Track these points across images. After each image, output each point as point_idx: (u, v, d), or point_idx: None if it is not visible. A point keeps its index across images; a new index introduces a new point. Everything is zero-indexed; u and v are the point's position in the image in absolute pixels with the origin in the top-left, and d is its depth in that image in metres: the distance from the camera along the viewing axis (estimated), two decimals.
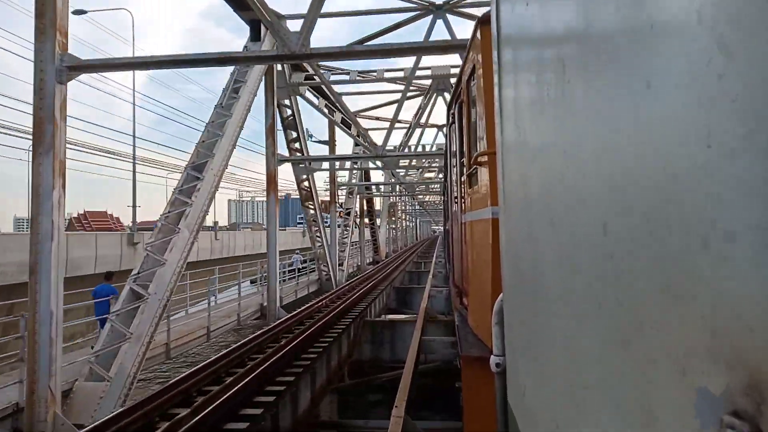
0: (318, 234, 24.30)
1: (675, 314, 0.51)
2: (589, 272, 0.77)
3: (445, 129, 8.95)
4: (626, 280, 0.63)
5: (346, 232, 29.78)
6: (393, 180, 33.29)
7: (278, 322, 12.72)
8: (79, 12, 27.23)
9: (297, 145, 21.63)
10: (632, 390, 0.62)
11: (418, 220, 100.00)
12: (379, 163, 30.52)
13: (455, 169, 6.03)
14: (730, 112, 0.42)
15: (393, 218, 54.70)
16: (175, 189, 12.05)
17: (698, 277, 0.47)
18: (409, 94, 20.69)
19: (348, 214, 31.41)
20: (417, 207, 76.94)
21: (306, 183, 23.26)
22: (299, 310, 14.24)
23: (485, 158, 3.86)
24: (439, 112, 35.49)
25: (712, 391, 0.44)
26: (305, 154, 22.17)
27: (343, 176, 31.25)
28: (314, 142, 27.96)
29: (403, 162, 33.45)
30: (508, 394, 1.52)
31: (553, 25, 0.95)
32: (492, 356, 1.94)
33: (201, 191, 11.64)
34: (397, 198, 54.35)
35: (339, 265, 26.88)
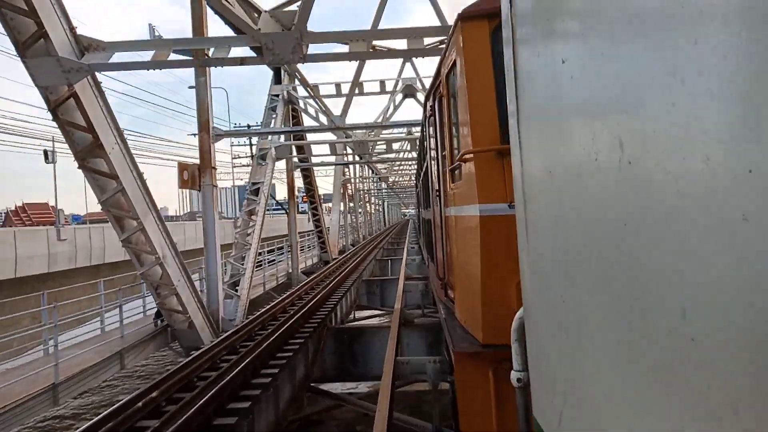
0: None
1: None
2: (636, 284, 0.76)
3: (421, 121, 8.94)
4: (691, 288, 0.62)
5: (251, 222, 17.55)
6: (344, 141, 25.86)
7: None
8: None
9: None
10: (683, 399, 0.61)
11: (386, 203, 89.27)
12: (350, 150, 30.03)
13: (434, 161, 6.02)
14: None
15: (352, 200, 44.66)
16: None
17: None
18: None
19: (255, 192, 18.20)
20: (384, 187, 68.83)
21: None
22: None
23: (471, 155, 3.86)
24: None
25: None
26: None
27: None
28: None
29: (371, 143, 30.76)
30: (533, 407, 1.53)
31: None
32: (513, 371, 1.96)
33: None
34: (355, 171, 44.06)
35: (232, 290, 15.92)
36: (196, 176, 14.18)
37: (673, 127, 0.65)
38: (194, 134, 19.49)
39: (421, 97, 16.80)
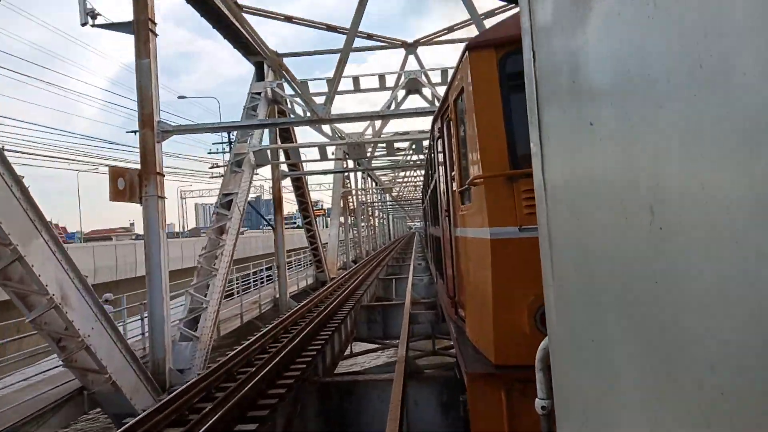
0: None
1: None
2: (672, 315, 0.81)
3: (429, 140, 9.03)
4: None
5: (220, 242, 13.74)
6: (336, 143, 20.90)
7: None
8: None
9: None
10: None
11: (390, 217, 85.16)
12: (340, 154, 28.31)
13: (442, 179, 6.10)
14: None
15: (354, 214, 40.45)
16: None
17: None
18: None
19: (227, 205, 14.51)
20: (388, 200, 64.46)
21: None
22: None
23: (481, 180, 3.95)
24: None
25: None
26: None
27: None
28: None
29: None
30: None
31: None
32: (537, 399, 2.03)
33: None
34: (356, 181, 39.94)
35: (190, 331, 12.36)
36: (135, 185, 10.96)
37: (703, 197, 0.72)
38: (134, 131, 16.24)
39: (426, 92, 16.14)
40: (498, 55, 3.98)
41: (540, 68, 1.31)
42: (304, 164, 24.47)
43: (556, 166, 1.31)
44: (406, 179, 55.20)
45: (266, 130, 18.79)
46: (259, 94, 16.54)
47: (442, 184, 6.17)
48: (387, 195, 60.17)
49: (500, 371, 3.99)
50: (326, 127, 17.59)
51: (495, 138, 3.92)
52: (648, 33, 0.81)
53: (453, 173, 5.29)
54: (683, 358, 0.83)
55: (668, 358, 0.87)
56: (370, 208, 54.09)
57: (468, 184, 4.29)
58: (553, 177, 1.34)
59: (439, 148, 6.09)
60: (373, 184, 51.95)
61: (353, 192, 39.70)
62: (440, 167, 6.16)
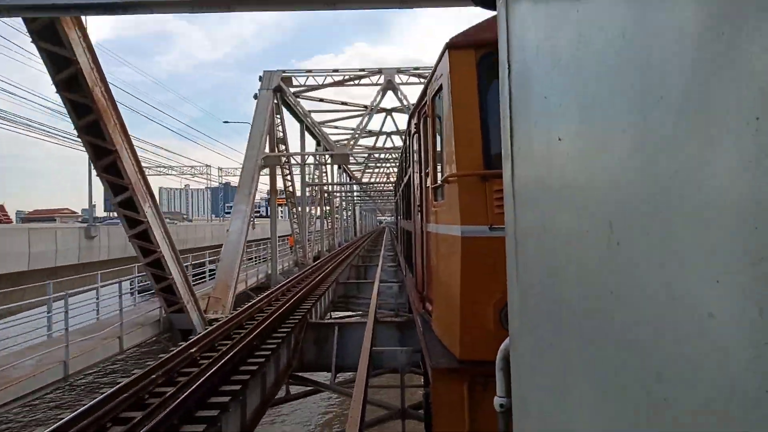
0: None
1: None
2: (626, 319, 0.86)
3: (404, 136, 9.07)
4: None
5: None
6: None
7: None
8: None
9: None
10: None
11: (357, 209, 74.66)
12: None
13: (417, 175, 6.14)
14: None
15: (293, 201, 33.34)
16: None
17: None
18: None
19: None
20: (355, 190, 57.54)
21: None
22: None
23: (455, 178, 4.00)
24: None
25: None
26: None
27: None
28: None
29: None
30: None
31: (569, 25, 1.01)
32: (496, 397, 2.07)
33: None
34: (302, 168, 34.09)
35: None
36: None
37: (659, 213, 0.78)
38: None
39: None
40: (477, 55, 4.02)
41: (514, 81, 1.35)
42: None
43: (525, 174, 1.35)
44: (378, 168, 50.95)
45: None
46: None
47: (416, 180, 6.21)
48: (352, 181, 52.71)
49: (464, 366, 4.06)
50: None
51: (471, 137, 3.96)
52: (615, 61, 0.85)
53: (428, 169, 5.33)
54: (633, 367, 0.89)
55: (620, 367, 0.93)
56: (325, 195, 44.81)
57: (442, 182, 4.33)
58: (521, 183, 1.38)
59: (415, 144, 6.12)
60: (340, 173, 47.32)
61: (285, 172, 31.34)
62: (415, 163, 6.19)
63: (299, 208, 33.17)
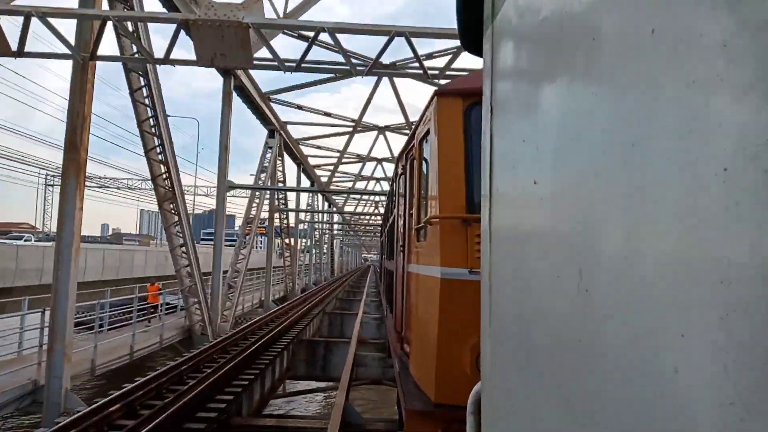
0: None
1: None
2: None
3: (392, 177, 9.23)
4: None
5: None
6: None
7: None
8: None
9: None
10: None
11: (337, 242, 67.00)
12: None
13: (402, 217, 6.16)
14: None
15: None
16: None
17: None
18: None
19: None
20: (336, 220, 52.44)
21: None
22: None
23: (437, 220, 4.01)
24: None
25: None
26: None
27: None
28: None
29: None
30: None
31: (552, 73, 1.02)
32: None
33: None
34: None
35: None
36: None
37: (627, 262, 0.77)
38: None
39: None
40: (465, 104, 4.12)
41: (495, 123, 1.36)
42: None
43: (502, 217, 1.35)
44: (364, 202, 47.83)
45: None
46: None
47: (400, 220, 6.23)
48: (335, 214, 48.42)
49: (438, 410, 3.99)
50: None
51: (455, 181, 4.01)
52: (591, 111, 0.86)
53: (412, 210, 5.36)
54: (600, 421, 0.87)
55: (587, 420, 0.90)
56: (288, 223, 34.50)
57: (425, 223, 4.34)
58: (497, 227, 1.38)
59: (401, 185, 6.16)
60: (326, 205, 45.69)
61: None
62: (400, 206, 6.22)
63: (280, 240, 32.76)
